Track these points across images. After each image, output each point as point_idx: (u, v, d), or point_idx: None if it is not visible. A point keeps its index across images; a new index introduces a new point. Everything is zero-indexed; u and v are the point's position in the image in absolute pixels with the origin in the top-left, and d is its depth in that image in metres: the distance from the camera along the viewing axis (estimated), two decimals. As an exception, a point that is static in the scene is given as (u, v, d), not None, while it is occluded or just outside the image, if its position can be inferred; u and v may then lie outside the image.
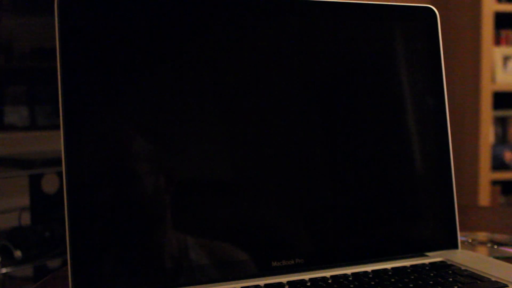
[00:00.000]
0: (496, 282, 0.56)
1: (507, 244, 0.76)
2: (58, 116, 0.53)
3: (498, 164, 2.27)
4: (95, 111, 0.55)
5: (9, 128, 1.87)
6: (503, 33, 2.30)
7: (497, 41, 2.29)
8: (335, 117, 0.63)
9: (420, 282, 0.56)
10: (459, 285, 0.55)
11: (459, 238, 0.66)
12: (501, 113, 2.33)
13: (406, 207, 0.65)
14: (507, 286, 0.55)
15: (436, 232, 0.66)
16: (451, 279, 0.56)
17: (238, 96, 0.59)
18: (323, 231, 0.61)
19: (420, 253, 0.64)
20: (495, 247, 0.73)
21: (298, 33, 0.62)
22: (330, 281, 0.57)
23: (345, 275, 0.58)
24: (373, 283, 0.56)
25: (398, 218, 0.64)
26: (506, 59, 2.27)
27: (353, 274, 0.59)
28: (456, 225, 0.66)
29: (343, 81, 0.64)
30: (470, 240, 0.78)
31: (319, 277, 0.58)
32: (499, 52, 2.26)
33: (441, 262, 0.62)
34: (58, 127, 0.53)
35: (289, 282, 0.57)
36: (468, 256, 0.64)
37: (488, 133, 2.22)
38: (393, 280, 0.57)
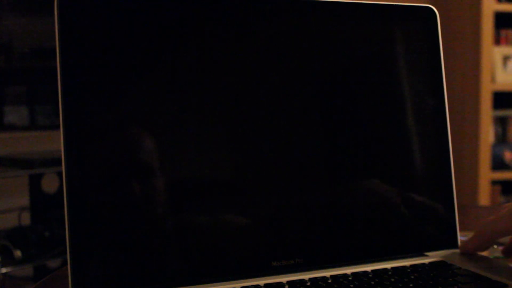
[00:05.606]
0: (496, 282, 0.56)
1: (507, 244, 0.76)
2: (58, 116, 0.53)
3: (498, 164, 2.27)
4: (95, 111, 0.55)
5: (9, 128, 1.87)
6: (503, 33, 2.31)
7: (497, 41, 2.29)
8: (334, 116, 0.63)
9: (420, 282, 0.56)
10: (459, 285, 0.55)
11: (459, 238, 0.66)
12: (501, 113, 2.33)
13: (406, 207, 0.65)
14: (507, 286, 0.55)
15: (436, 232, 0.66)
16: (451, 279, 0.56)
17: (239, 96, 0.59)
18: (323, 231, 0.61)
19: (420, 253, 0.64)
20: (495, 247, 0.73)
21: (298, 33, 0.62)
22: (330, 281, 0.57)
23: (345, 275, 0.58)
24: (373, 283, 0.56)
25: (398, 218, 0.64)
26: (506, 59, 2.27)
27: (353, 274, 0.59)
28: (456, 225, 0.66)
29: (342, 82, 0.64)
30: (470, 240, 0.78)
31: (319, 277, 0.58)
32: (499, 52, 2.27)
33: (441, 262, 0.62)
34: (58, 127, 0.53)
35: (289, 282, 0.57)
36: (468, 256, 0.64)
37: (488, 133, 2.22)
38: (393, 280, 0.57)
